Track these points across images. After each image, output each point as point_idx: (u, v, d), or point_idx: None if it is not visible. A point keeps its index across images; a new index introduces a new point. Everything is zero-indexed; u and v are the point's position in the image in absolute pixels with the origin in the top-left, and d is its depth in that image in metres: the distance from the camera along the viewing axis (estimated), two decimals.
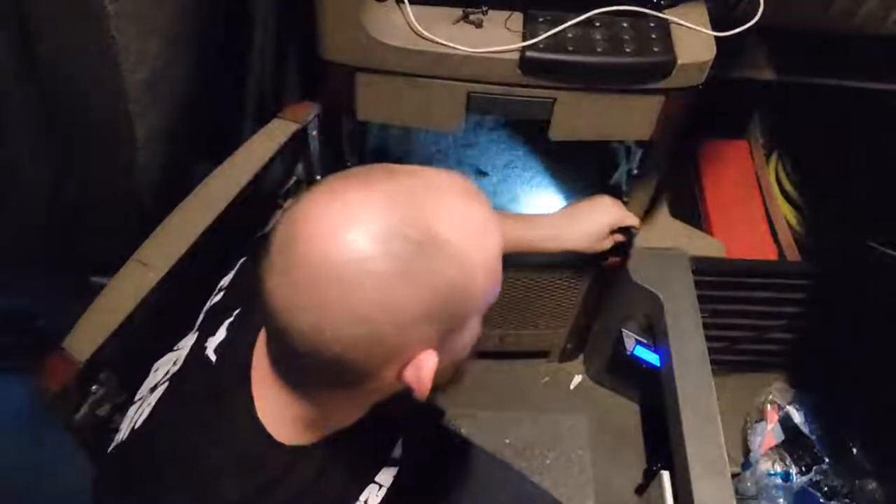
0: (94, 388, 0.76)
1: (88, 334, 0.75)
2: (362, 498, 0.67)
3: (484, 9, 0.96)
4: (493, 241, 0.56)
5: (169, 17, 0.90)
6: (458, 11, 0.96)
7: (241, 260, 0.77)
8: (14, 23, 0.80)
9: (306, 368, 0.56)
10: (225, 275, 0.76)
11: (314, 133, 1.05)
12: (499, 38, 0.94)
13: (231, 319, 0.67)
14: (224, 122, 1.14)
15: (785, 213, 1.52)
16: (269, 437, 0.60)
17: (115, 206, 1.02)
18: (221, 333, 0.66)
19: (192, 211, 0.87)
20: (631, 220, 1.10)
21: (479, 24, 0.96)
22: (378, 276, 0.50)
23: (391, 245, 0.50)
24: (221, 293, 0.74)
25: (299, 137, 1.02)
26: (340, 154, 1.11)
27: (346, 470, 0.65)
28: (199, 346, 0.67)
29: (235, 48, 1.11)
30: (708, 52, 0.96)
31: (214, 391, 0.62)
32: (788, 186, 1.54)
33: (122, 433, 0.66)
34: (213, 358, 0.64)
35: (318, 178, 1.11)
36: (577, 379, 1.43)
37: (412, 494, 0.73)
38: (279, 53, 1.15)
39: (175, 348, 0.70)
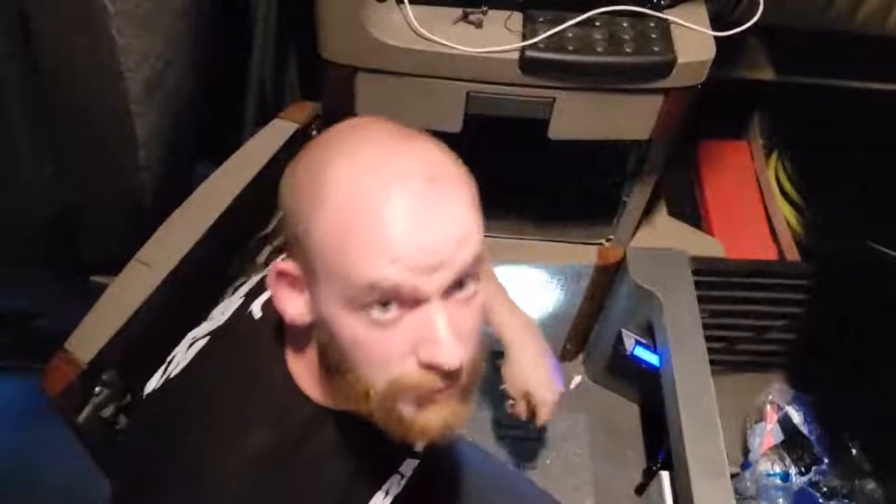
0: (97, 389, 0.76)
1: (91, 335, 0.75)
2: (385, 487, 0.69)
3: (484, 9, 0.96)
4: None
5: (169, 17, 0.90)
6: (458, 11, 0.96)
7: None
8: (15, 23, 0.80)
9: None
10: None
11: (314, 133, 1.05)
12: (499, 38, 0.94)
13: None
14: (224, 122, 1.15)
15: (785, 213, 1.52)
16: (298, 389, 0.61)
17: (115, 206, 1.02)
18: (268, 294, 0.66)
19: (193, 211, 0.87)
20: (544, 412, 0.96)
21: (478, 24, 0.96)
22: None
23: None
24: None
25: (300, 138, 1.02)
26: None
27: (368, 448, 0.65)
28: (244, 307, 0.68)
29: (236, 48, 1.11)
30: (708, 52, 0.96)
31: (253, 344, 0.63)
32: (788, 186, 1.54)
33: (154, 383, 0.68)
34: (257, 315, 0.65)
35: None
36: (577, 379, 1.43)
37: (419, 497, 0.73)
38: (280, 54, 1.15)
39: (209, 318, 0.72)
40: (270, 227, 1.04)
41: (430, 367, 0.54)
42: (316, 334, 0.58)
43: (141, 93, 0.88)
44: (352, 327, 0.53)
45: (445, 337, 0.53)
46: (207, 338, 0.68)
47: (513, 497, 0.99)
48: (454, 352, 0.52)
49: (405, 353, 0.54)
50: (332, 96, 1.02)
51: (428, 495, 0.82)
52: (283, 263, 0.57)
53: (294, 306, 0.57)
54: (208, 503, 0.58)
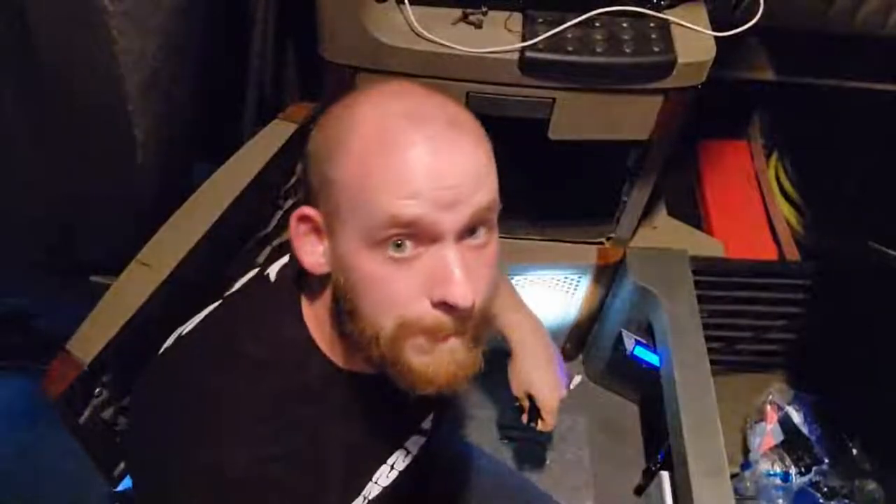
0: (97, 390, 0.76)
1: (92, 336, 0.75)
2: (390, 461, 0.70)
3: (484, 9, 0.96)
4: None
5: (169, 18, 0.90)
6: (458, 12, 0.96)
7: None
8: (14, 22, 0.80)
9: None
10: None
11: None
12: (498, 39, 0.94)
13: None
14: (224, 123, 1.14)
15: (785, 213, 1.52)
16: (314, 344, 0.62)
17: (115, 206, 1.02)
18: (285, 259, 0.67)
19: (193, 212, 0.87)
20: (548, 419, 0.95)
21: (478, 25, 0.96)
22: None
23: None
24: None
25: (300, 138, 1.02)
26: None
27: (377, 417, 0.66)
28: (259, 273, 0.69)
29: (236, 49, 1.11)
30: (708, 52, 0.96)
31: (267, 302, 0.65)
32: (788, 186, 1.54)
33: (168, 343, 0.69)
34: (273, 277, 0.66)
35: None
36: (577, 379, 1.43)
37: (424, 477, 0.74)
38: (279, 54, 1.15)
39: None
40: (270, 228, 1.04)
41: (442, 305, 0.55)
42: (331, 284, 0.59)
43: (140, 93, 0.88)
44: (368, 264, 0.55)
45: (459, 276, 0.54)
46: (219, 301, 0.69)
47: (515, 500, 0.99)
48: (467, 290, 0.54)
49: (418, 293, 0.55)
50: (332, 96, 1.02)
51: (432, 477, 0.82)
52: (305, 208, 0.58)
53: (313, 254, 0.59)
54: (221, 435, 0.59)
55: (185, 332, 0.67)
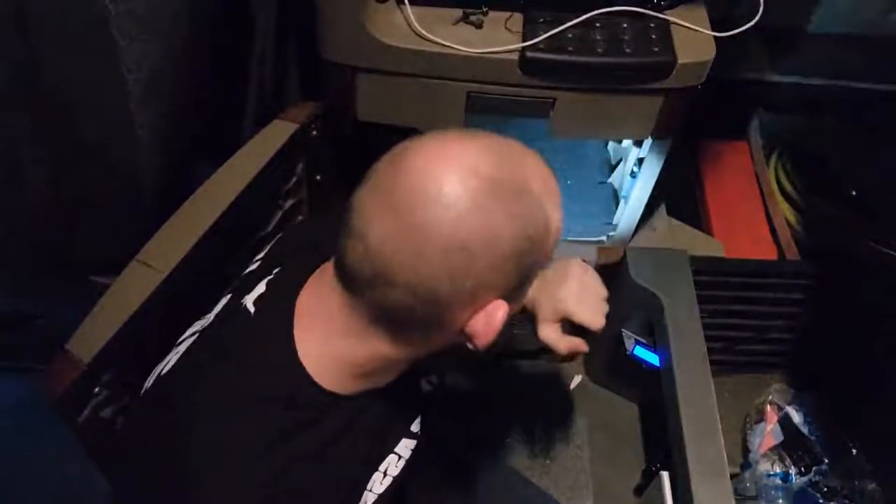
0: (97, 389, 0.76)
1: (92, 336, 0.75)
2: (382, 468, 0.69)
3: (484, 9, 0.96)
4: (559, 206, 0.61)
5: (170, 18, 0.90)
6: (459, 12, 0.96)
7: (277, 237, 0.80)
8: (15, 22, 0.80)
9: (381, 304, 0.57)
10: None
11: (314, 133, 1.05)
12: (499, 39, 0.94)
13: (271, 277, 0.69)
14: (224, 123, 1.14)
15: (785, 213, 1.52)
16: (309, 377, 0.61)
17: (115, 206, 1.02)
18: (260, 289, 0.67)
19: (194, 212, 0.87)
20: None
21: (479, 25, 0.96)
22: (483, 208, 0.54)
23: (495, 184, 0.54)
24: (258, 263, 0.75)
25: (300, 138, 1.02)
26: (341, 154, 1.11)
27: (371, 431, 0.67)
28: (233, 303, 0.68)
29: (236, 49, 1.11)
30: (708, 53, 0.96)
31: (253, 336, 0.64)
32: (788, 186, 1.54)
33: (147, 384, 0.68)
34: (251, 309, 0.66)
35: (319, 178, 1.11)
36: (577, 379, 1.43)
37: (418, 478, 0.74)
38: (280, 54, 1.15)
39: (201, 318, 0.72)
40: (270, 228, 1.04)
41: None
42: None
43: (141, 93, 0.88)
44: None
45: None
46: (195, 336, 0.68)
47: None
48: None
49: None
50: (333, 96, 1.02)
51: (426, 478, 0.82)
52: (506, 304, 0.59)
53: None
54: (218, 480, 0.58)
55: (164, 371, 0.66)
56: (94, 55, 0.83)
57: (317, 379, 0.61)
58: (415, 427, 0.74)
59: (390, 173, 0.55)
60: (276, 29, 1.11)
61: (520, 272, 0.58)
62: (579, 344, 0.84)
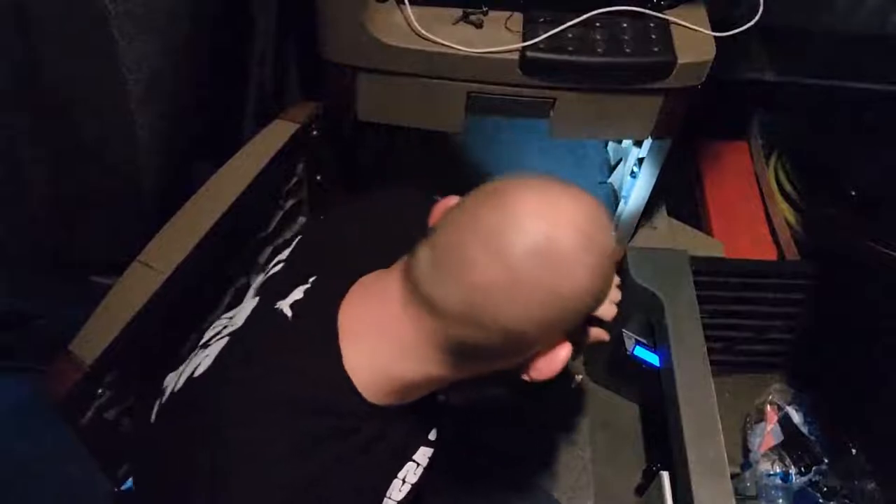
0: (100, 391, 0.76)
1: (94, 337, 0.75)
2: (401, 475, 0.70)
3: (484, 9, 0.96)
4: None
5: (170, 18, 0.89)
6: (459, 12, 0.96)
7: (298, 238, 0.80)
8: (15, 22, 0.80)
9: (463, 339, 0.58)
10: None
11: (314, 133, 1.05)
12: (499, 39, 0.94)
13: (307, 286, 0.68)
14: (224, 123, 1.14)
15: (785, 213, 1.52)
16: (354, 387, 0.61)
17: (115, 206, 1.02)
18: (297, 295, 0.67)
19: (195, 212, 0.88)
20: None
21: (479, 25, 0.96)
22: (582, 264, 0.56)
23: (592, 241, 0.57)
24: (280, 265, 0.75)
25: (300, 138, 1.02)
26: (341, 155, 1.11)
27: (397, 441, 0.68)
28: (265, 307, 0.68)
29: (236, 49, 1.10)
30: (708, 52, 0.96)
31: (292, 341, 0.64)
32: (788, 186, 1.54)
33: (175, 384, 0.68)
34: (288, 314, 0.65)
35: (319, 178, 1.11)
36: (577, 379, 1.43)
37: (435, 485, 0.75)
38: (280, 54, 1.15)
39: (223, 317, 0.73)
40: (271, 228, 1.04)
41: None
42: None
43: (141, 93, 0.88)
44: None
45: None
46: (225, 339, 0.68)
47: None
48: None
49: None
50: (333, 96, 1.02)
51: (443, 484, 0.82)
52: (569, 346, 0.62)
53: None
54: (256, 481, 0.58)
55: (195, 373, 0.67)
56: (93, 55, 0.83)
57: (360, 389, 0.62)
58: (432, 435, 0.75)
59: (495, 220, 0.56)
60: (276, 29, 1.11)
61: (585, 318, 0.62)
62: (600, 333, 0.84)
